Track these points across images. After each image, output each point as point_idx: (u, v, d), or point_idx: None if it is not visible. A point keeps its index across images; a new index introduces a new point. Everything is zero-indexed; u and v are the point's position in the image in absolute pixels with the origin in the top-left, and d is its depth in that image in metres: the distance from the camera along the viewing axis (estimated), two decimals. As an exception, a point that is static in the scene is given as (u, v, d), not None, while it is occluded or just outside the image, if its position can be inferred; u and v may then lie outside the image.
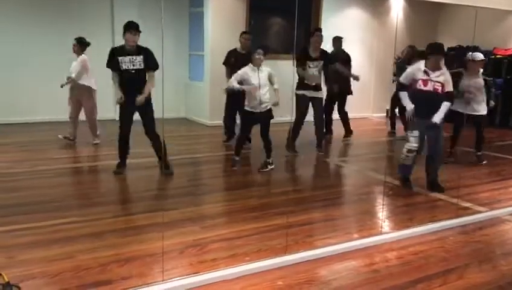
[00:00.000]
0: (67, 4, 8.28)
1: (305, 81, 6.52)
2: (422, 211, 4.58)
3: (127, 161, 5.48)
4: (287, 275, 3.17)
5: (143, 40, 5.29)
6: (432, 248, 3.73)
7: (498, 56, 9.73)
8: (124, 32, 5.14)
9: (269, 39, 9.72)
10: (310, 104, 6.68)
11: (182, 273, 3.10)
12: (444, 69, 4.89)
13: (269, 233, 3.83)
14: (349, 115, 8.07)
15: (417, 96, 4.90)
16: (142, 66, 5.20)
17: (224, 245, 3.59)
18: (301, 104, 6.57)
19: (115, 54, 5.19)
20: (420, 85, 4.86)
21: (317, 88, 6.64)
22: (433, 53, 4.80)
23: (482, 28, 5.86)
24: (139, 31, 5.15)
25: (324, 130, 7.26)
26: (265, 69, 5.58)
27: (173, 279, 2.99)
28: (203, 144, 7.08)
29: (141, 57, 5.18)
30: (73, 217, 4.03)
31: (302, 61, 6.52)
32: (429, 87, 4.83)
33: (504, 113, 9.72)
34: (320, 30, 6.87)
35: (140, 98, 5.14)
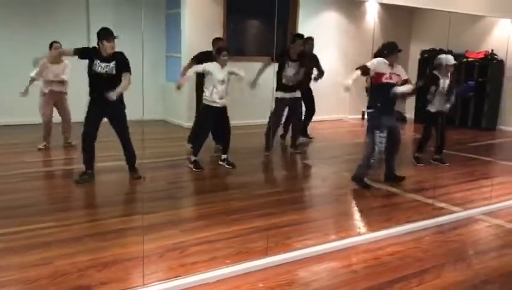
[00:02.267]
0: (42, 6, 8.15)
1: (283, 82, 6.57)
2: (398, 212, 4.66)
3: (98, 164, 5.38)
4: (268, 277, 3.19)
5: (119, 42, 5.25)
6: (408, 248, 3.80)
7: (470, 59, 9.95)
8: (101, 40, 5.02)
9: (246, 41, 9.75)
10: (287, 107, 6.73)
11: (162, 277, 3.09)
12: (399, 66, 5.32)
13: (249, 235, 3.84)
14: (326, 117, 8.13)
15: (384, 88, 5.14)
16: (114, 72, 5.09)
17: (204, 248, 3.59)
18: (278, 107, 6.61)
19: (93, 54, 5.08)
20: (387, 78, 5.15)
21: (295, 88, 6.71)
22: (393, 51, 5.15)
23: (454, 32, 5.98)
24: (114, 38, 5.05)
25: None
26: (228, 68, 5.84)
27: (154, 283, 2.98)
28: (181, 146, 7.04)
29: (114, 62, 5.08)
30: (49, 222, 3.97)
31: (281, 63, 6.58)
32: (393, 80, 5.19)
33: (476, 114, 9.95)
34: (302, 37, 6.96)
35: (111, 94, 4.97)
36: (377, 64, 5.13)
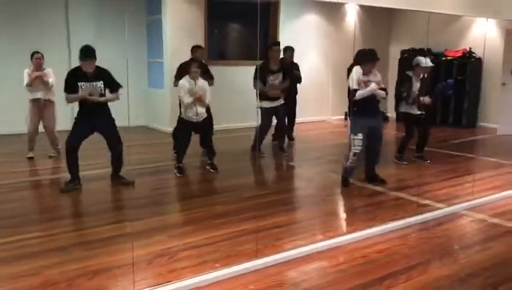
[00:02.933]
0: (21, 12, 8.08)
1: (267, 94, 6.66)
2: (384, 210, 4.72)
3: (84, 173, 5.36)
4: (258, 279, 3.21)
5: (100, 49, 5.24)
6: (395, 246, 3.85)
7: (449, 58, 10.11)
8: (81, 59, 5.01)
9: (227, 45, 9.79)
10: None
11: (152, 283, 3.09)
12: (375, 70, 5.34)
13: (238, 238, 3.86)
14: (309, 118, 8.20)
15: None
16: (103, 92, 5.13)
17: (193, 253, 3.60)
18: (265, 117, 6.70)
19: (73, 79, 5.05)
20: (363, 87, 5.17)
21: (279, 98, 6.82)
22: (371, 60, 5.20)
23: (433, 31, 6.08)
24: (95, 57, 5.06)
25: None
26: (202, 81, 5.81)
27: (144, 289, 2.98)
28: (165, 152, 7.03)
29: (101, 82, 5.10)
30: (36, 232, 3.94)
31: (263, 75, 6.63)
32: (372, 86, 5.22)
33: (456, 112, 10.11)
34: (278, 44, 7.09)
35: (100, 99, 5.07)
36: (355, 78, 5.19)
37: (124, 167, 5.38)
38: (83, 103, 5.12)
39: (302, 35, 9.76)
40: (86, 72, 5.06)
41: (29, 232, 3.92)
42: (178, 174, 5.82)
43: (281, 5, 9.70)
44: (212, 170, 5.99)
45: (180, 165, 5.88)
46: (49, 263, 3.38)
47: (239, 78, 8.41)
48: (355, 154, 5.25)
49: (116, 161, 5.34)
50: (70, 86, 5.06)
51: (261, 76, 6.58)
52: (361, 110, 5.22)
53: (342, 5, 10.52)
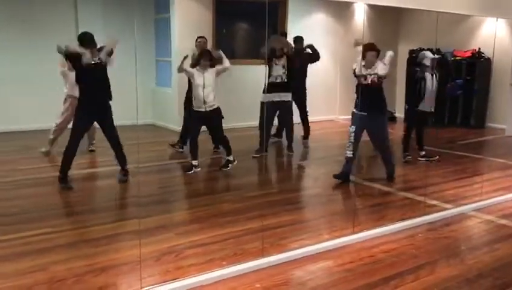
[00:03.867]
0: (31, 13, 8.13)
1: (271, 80, 6.60)
2: (391, 210, 4.70)
3: (92, 171, 5.38)
4: (264, 278, 3.21)
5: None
6: (402, 246, 3.84)
7: (458, 58, 10.05)
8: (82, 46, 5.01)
9: (236, 44, 9.78)
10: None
11: (159, 280, 3.10)
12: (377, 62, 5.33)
13: (244, 237, 3.86)
14: (316, 118, 8.16)
15: (360, 90, 5.31)
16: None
17: (200, 251, 3.61)
18: (268, 111, 6.65)
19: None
20: (362, 80, 5.30)
21: (284, 89, 6.71)
22: (366, 52, 5.25)
23: (442, 31, 6.05)
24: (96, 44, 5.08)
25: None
26: (211, 70, 5.79)
27: (151, 286, 2.99)
28: (172, 151, 7.03)
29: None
30: (44, 229, 3.96)
31: (269, 59, 6.61)
32: (368, 80, 5.30)
33: (465, 113, 10.04)
34: (285, 34, 6.99)
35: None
36: (356, 66, 5.28)
37: (132, 164, 5.38)
38: (84, 93, 5.09)
39: (310, 34, 9.70)
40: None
41: (35, 229, 3.94)
42: (188, 172, 5.79)
43: (289, 4, 9.68)
44: (226, 169, 5.94)
45: (194, 163, 5.84)
46: (56, 259, 3.39)
47: (247, 76, 8.41)
48: (349, 145, 5.33)
49: (119, 154, 5.34)
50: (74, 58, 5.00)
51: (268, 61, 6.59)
52: (362, 106, 5.29)
53: (350, 4, 10.48)
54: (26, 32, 8.06)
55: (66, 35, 8.23)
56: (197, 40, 6.85)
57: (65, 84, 6.33)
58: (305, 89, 7.72)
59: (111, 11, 8.62)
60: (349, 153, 5.36)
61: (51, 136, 6.42)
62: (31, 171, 5.90)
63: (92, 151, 6.67)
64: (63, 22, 8.39)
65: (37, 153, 6.48)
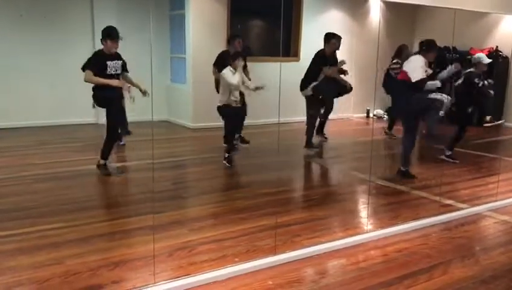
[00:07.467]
0: (48, 12, 8.20)
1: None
2: (405, 209, 4.67)
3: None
4: (277, 275, 3.21)
5: (123, 44, 5.31)
6: (416, 245, 3.81)
7: (474, 56, 9.91)
8: (105, 39, 5.20)
9: (251, 41, 9.77)
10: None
11: (172, 275, 3.12)
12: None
13: (257, 234, 3.87)
14: (331, 116, 8.11)
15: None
16: (120, 71, 5.40)
17: (213, 247, 3.62)
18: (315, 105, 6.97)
19: (101, 57, 5.23)
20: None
21: None
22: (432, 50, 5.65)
23: (458, 29, 5.97)
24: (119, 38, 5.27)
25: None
26: (240, 70, 6.04)
27: (165, 281, 3.01)
28: (187, 147, 7.08)
29: (120, 62, 5.37)
30: (59, 223, 4.00)
31: (322, 62, 6.96)
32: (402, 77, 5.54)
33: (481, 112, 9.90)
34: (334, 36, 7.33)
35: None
36: (421, 67, 5.52)
37: (145, 161, 5.42)
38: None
39: (325, 32, 9.67)
40: (110, 53, 5.26)
41: (51, 223, 3.99)
42: (228, 165, 5.94)
43: (304, 1, 9.65)
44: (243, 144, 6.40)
45: (229, 155, 6.00)
46: (71, 253, 3.43)
47: (261, 74, 8.38)
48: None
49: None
50: (99, 63, 5.20)
51: (322, 62, 7.05)
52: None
53: (365, 1, 10.42)
54: (44, 29, 8.14)
55: (82, 34, 8.36)
56: (234, 39, 6.94)
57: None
58: None
59: (126, 8, 8.66)
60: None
61: None
62: (47, 165, 5.96)
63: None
64: (80, 19, 8.48)
65: (53, 148, 6.58)
